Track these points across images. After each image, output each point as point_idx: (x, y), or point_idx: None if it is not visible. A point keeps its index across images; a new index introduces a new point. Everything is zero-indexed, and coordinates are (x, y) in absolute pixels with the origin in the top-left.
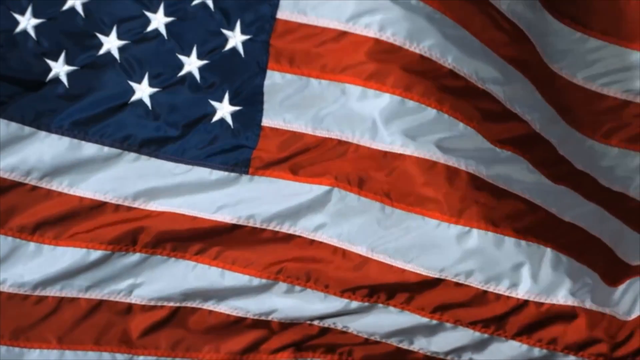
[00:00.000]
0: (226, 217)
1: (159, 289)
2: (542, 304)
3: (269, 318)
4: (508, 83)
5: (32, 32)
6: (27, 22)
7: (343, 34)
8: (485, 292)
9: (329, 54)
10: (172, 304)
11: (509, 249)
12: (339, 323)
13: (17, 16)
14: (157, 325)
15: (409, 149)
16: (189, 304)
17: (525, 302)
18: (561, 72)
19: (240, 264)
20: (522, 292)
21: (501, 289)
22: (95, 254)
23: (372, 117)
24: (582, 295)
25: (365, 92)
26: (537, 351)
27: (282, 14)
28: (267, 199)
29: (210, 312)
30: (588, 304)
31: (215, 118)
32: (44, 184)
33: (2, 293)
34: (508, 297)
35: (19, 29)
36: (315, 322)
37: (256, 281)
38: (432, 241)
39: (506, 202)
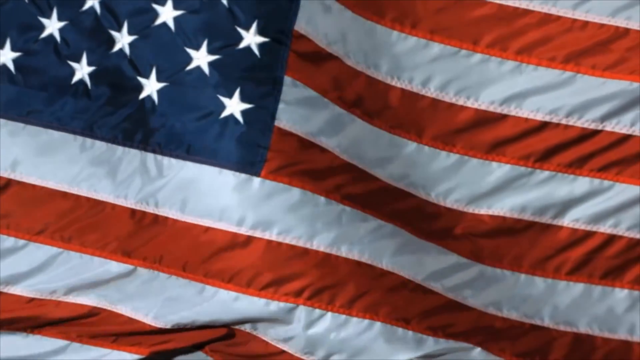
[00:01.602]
0: (241, 228)
1: (179, 315)
2: None
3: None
4: None
5: (57, 36)
6: (52, 25)
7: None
8: None
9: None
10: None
11: None
12: None
13: (44, 20)
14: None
15: None
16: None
17: None
18: None
19: (256, 286)
20: None
21: None
22: (120, 267)
23: None
24: None
25: None
26: None
27: (299, 26)
28: (282, 209)
29: None
30: None
31: (224, 114)
32: (83, 192)
33: (34, 300)
34: None
35: (45, 33)
36: None
37: (274, 305)
38: None
39: None
